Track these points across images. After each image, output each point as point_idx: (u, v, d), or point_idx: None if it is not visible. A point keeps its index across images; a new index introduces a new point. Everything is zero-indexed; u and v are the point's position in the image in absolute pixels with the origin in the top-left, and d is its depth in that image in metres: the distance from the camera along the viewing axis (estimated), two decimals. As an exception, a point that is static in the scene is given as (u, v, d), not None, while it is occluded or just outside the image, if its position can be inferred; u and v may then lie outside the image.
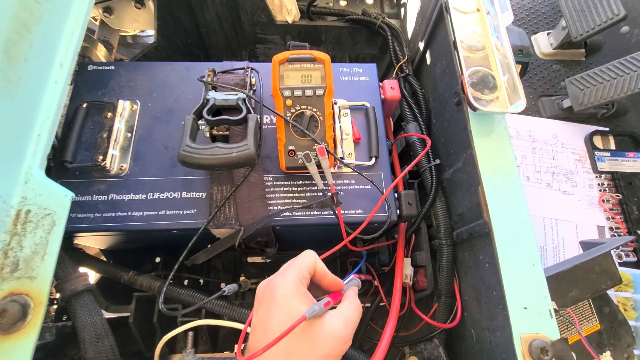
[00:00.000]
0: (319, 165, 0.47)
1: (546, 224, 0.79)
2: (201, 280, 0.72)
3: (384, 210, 0.51)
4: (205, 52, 0.91)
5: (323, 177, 0.48)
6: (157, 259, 0.70)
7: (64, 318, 0.50)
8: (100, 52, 0.82)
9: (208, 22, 0.82)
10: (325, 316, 0.32)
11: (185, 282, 0.71)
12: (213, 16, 0.80)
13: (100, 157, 0.49)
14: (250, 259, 0.76)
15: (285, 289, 0.33)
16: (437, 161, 0.63)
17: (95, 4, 0.81)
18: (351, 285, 0.42)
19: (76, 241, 0.52)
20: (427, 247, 0.63)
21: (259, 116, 0.49)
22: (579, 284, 0.55)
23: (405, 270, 0.62)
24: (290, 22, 0.84)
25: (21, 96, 0.38)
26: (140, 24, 0.89)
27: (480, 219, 0.51)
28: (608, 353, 0.63)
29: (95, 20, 0.88)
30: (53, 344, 0.53)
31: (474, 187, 0.52)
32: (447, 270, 0.59)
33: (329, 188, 0.47)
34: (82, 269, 0.51)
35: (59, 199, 0.37)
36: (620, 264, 0.78)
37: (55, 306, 0.43)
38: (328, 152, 0.47)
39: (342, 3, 1.01)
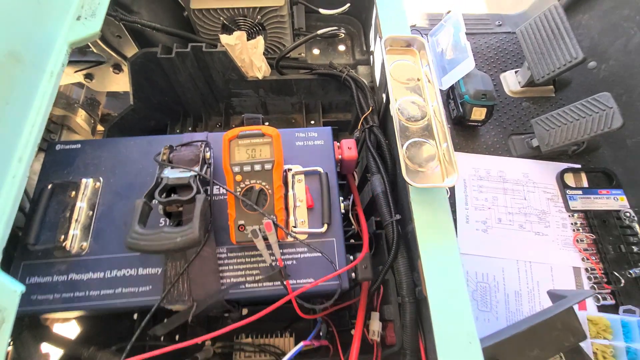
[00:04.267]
0: (267, 239, 0.49)
1: (520, 267, 0.78)
2: (177, 336, 0.72)
3: (336, 281, 0.52)
4: (183, 107, 0.95)
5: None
6: (135, 316, 0.71)
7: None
8: (81, 117, 0.86)
9: (182, 82, 0.86)
10: None
11: (162, 338, 0.72)
12: (186, 77, 0.85)
13: (62, 237, 0.51)
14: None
15: None
16: (398, 216, 0.64)
17: (75, 71, 0.86)
18: None
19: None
20: (396, 300, 0.64)
21: (207, 195, 0.51)
22: (540, 342, 0.55)
23: (372, 326, 0.62)
24: (260, 78, 0.88)
25: (-23, 197, 0.41)
26: (121, 86, 0.94)
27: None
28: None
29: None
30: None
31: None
32: (410, 329, 0.59)
33: (277, 263, 0.48)
34: (46, 345, 0.53)
35: (8, 295, 0.39)
36: (599, 308, 0.77)
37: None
38: (276, 225, 0.49)
39: (316, 52, 1.06)
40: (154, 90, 0.86)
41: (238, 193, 0.50)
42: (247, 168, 0.51)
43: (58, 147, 0.59)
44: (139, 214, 0.46)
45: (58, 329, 0.57)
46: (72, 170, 0.57)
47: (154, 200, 0.50)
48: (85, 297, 0.49)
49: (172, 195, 0.51)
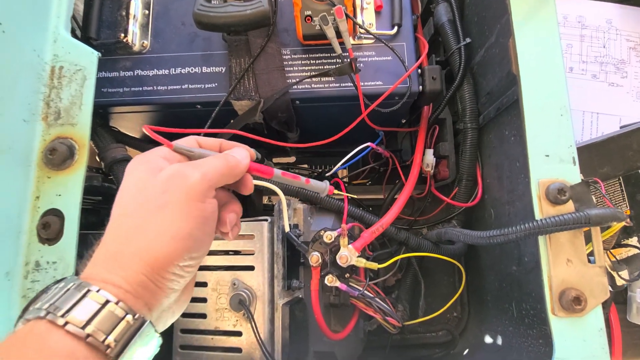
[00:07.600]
0: (337, 30, 0.45)
1: (585, 119, 0.73)
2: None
3: (405, 84, 0.49)
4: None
5: (342, 44, 0.47)
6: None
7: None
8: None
9: None
10: (177, 165, 0.26)
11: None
12: None
13: (122, 35, 0.50)
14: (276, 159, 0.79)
15: (144, 158, 0.27)
16: (468, 40, 0.59)
17: None
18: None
19: (111, 123, 0.56)
20: (452, 138, 0.62)
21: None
22: (612, 160, 0.52)
23: (427, 159, 0.62)
24: None
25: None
26: None
27: (508, 90, 0.48)
28: (635, 239, 0.62)
29: None
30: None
31: (506, 58, 0.48)
32: (470, 154, 0.58)
33: (348, 54, 0.45)
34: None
35: (87, 56, 0.39)
36: (665, 159, 0.73)
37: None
38: (347, 15, 0.45)
39: None
40: None
41: (304, -22, 0.45)
42: (313, -50, 0.45)
43: (102, -56, 0.54)
44: (203, -11, 0.43)
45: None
46: (120, -31, 0.53)
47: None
48: (154, 91, 0.49)
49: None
